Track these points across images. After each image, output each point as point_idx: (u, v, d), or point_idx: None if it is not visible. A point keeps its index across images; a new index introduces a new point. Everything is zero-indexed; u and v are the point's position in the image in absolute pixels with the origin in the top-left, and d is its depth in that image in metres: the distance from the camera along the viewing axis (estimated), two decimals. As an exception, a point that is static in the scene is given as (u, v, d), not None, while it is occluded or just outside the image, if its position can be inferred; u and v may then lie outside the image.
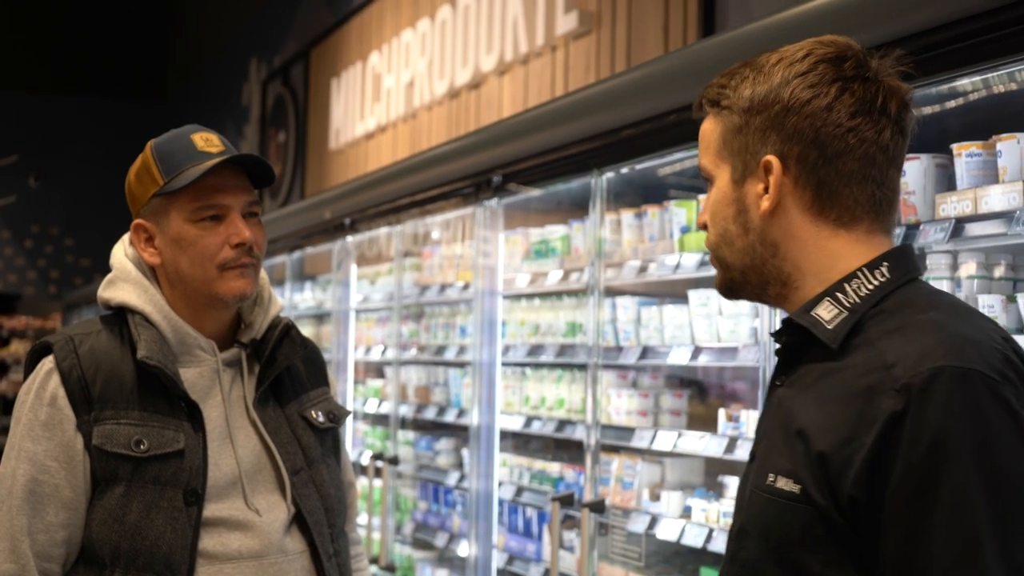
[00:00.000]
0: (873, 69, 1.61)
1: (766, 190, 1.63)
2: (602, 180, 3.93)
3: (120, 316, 2.40)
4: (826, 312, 1.59)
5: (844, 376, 1.52)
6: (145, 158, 2.40)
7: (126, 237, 2.48)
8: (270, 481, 2.39)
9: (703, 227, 1.74)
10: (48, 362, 2.33)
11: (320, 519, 2.42)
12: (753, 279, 1.68)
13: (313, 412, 2.51)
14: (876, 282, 1.58)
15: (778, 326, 3.10)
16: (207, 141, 2.39)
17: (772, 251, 1.64)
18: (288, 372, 2.51)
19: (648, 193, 4.16)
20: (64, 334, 2.39)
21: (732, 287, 1.72)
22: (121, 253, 2.46)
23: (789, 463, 1.53)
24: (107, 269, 2.48)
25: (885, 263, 1.60)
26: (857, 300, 1.58)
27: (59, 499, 2.25)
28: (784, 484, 1.53)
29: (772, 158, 1.61)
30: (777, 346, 1.71)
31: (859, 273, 1.60)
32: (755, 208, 1.64)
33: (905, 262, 1.62)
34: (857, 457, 1.45)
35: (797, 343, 1.63)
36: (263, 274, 2.49)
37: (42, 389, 2.30)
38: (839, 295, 1.59)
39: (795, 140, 1.60)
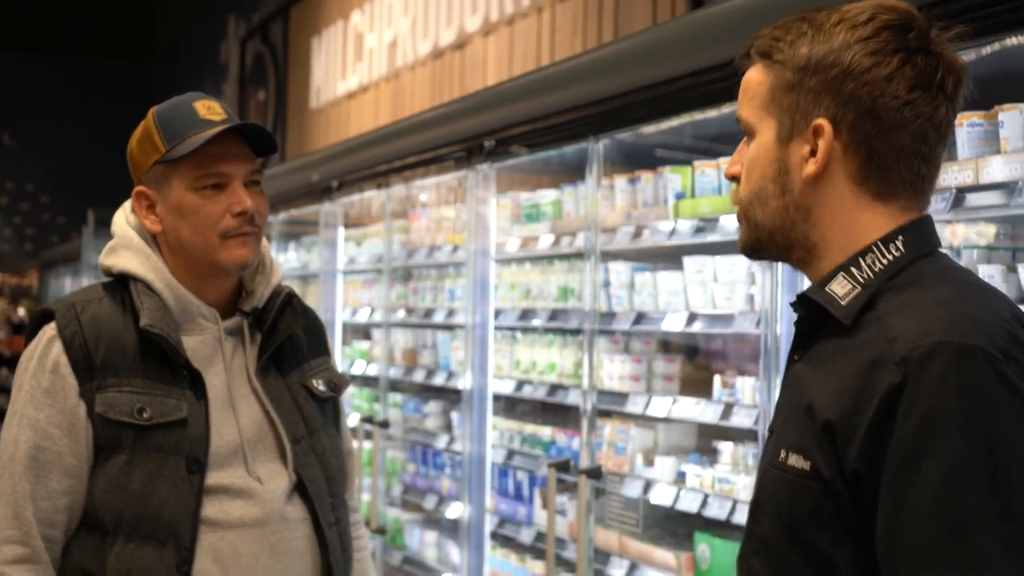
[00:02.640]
0: (934, 41, 1.57)
1: (812, 153, 1.59)
2: (599, 146, 3.92)
3: (122, 283, 2.39)
4: (840, 288, 1.57)
5: (853, 352, 1.51)
6: (147, 125, 2.39)
7: (127, 204, 2.46)
8: (271, 450, 2.39)
9: (732, 179, 1.70)
10: (50, 329, 2.32)
11: (321, 488, 2.42)
12: (780, 241, 1.65)
13: (314, 381, 2.51)
14: (890, 256, 1.57)
15: (780, 295, 3.13)
16: (209, 109, 2.37)
17: (804, 216, 1.61)
18: (289, 341, 2.50)
19: (641, 159, 4.15)
20: (66, 301, 2.38)
21: (757, 247, 1.68)
22: (123, 220, 2.45)
23: (799, 439, 1.53)
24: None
25: (900, 237, 1.58)
26: (871, 275, 1.56)
27: (61, 466, 2.25)
28: (795, 461, 1.53)
29: (824, 122, 1.57)
30: (796, 317, 1.71)
31: (874, 247, 1.58)
32: (797, 170, 1.60)
33: (921, 236, 1.60)
34: (859, 431, 1.44)
35: (813, 318, 1.62)
36: (264, 242, 2.48)
37: (44, 356, 2.29)
38: (853, 270, 1.58)
39: (851, 106, 1.56)
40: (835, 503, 1.48)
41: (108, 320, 2.33)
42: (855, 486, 1.46)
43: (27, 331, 2.40)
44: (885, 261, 1.57)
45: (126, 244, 2.40)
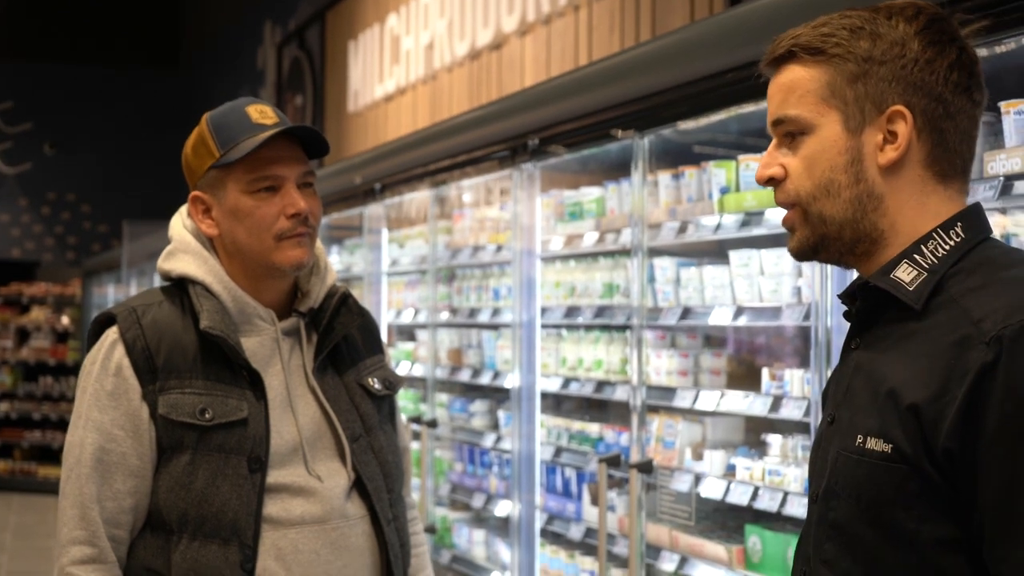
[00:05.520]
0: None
1: (885, 141, 1.63)
2: (644, 142, 3.93)
3: (180, 287, 2.43)
4: (905, 274, 1.61)
5: (930, 334, 1.54)
6: (201, 131, 2.43)
7: (183, 209, 2.51)
8: (330, 448, 2.43)
9: (768, 182, 1.71)
10: (112, 333, 2.36)
11: (379, 485, 2.45)
12: (847, 235, 1.66)
13: (370, 380, 2.54)
14: (952, 242, 1.61)
15: (830, 287, 3.13)
16: (262, 113, 2.41)
17: (875, 204, 1.64)
18: (345, 340, 2.54)
19: (683, 155, 4.16)
20: (127, 305, 2.42)
21: (819, 245, 1.69)
22: (179, 225, 2.49)
23: (878, 423, 1.56)
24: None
25: (959, 223, 1.62)
26: (935, 260, 1.60)
27: (126, 467, 2.30)
28: (874, 444, 1.56)
29: (903, 108, 1.62)
30: (845, 308, 1.73)
31: (934, 234, 1.62)
32: (871, 158, 1.64)
33: (978, 221, 1.64)
34: (949, 411, 1.47)
35: (873, 306, 1.65)
36: (318, 244, 2.52)
37: (107, 359, 2.34)
38: (916, 256, 1.61)
39: (921, 92, 1.61)
40: (921, 482, 1.51)
41: (168, 323, 2.37)
42: (946, 465, 1.49)
43: (88, 336, 2.45)
44: (948, 247, 1.61)
45: (184, 248, 2.44)
